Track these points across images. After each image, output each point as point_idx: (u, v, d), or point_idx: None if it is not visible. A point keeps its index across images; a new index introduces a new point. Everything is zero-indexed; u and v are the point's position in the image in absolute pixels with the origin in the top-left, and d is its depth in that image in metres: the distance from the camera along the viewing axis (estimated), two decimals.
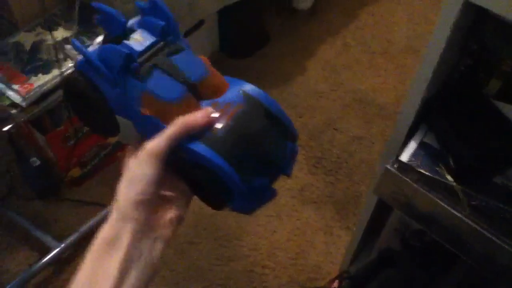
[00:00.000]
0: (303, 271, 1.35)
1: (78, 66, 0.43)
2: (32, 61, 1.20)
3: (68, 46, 1.17)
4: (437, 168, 0.74)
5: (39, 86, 1.14)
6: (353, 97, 1.73)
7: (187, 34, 1.64)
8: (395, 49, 1.89)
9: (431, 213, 0.76)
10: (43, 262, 1.25)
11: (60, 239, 1.30)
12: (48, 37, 1.23)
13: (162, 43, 0.44)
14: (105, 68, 0.41)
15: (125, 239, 0.39)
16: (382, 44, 1.90)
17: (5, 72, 1.17)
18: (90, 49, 0.43)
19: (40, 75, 1.16)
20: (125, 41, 0.43)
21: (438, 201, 0.73)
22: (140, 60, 0.42)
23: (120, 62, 0.41)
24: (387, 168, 0.77)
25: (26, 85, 1.14)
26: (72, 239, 1.30)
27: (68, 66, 1.17)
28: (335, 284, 1.28)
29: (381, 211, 1.01)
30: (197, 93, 0.43)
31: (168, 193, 0.44)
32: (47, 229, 1.34)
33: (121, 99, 0.42)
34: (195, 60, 0.45)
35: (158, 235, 0.41)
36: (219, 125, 0.41)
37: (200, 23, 1.67)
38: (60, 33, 1.25)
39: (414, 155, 0.76)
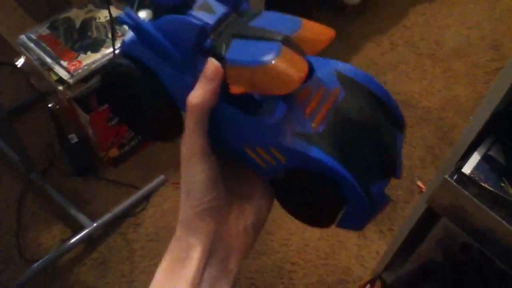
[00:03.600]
0: (333, 272, 1.32)
1: (125, 47, 0.34)
2: (82, 39, 1.19)
3: (119, 27, 1.16)
4: (502, 184, 0.70)
5: (87, 64, 1.13)
6: (396, 99, 1.66)
7: None
8: (443, 52, 1.83)
9: (489, 230, 0.72)
10: (76, 240, 1.26)
11: (93, 217, 1.30)
12: (99, 14, 1.22)
13: (235, 14, 0.34)
14: (171, 46, 0.32)
15: (195, 256, 0.33)
16: (430, 46, 1.84)
17: (55, 48, 1.17)
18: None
19: (89, 53, 1.15)
20: (192, 12, 0.32)
21: (499, 219, 0.70)
22: (213, 36, 0.32)
23: (193, 39, 0.31)
24: (445, 179, 0.74)
25: (74, 62, 1.14)
26: (105, 219, 1.30)
27: (118, 46, 1.16)
28: None
29: (426, 220, 0.97)
30: (297, 47, 0.32)
31: (242, 192, 0.37)
32: (82, 206, 1.35)
33: (190, 87, 0.32)
34: (281, 16, 0.34)
35: (231, 247, 0.35)
36: (318, 118, 0.32)
37: None
38: (112, 11, 1.24)
39: (477, 168, 0.72)
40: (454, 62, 1.80)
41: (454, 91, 1.71)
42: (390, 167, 0.34)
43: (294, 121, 0.32)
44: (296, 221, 0.34)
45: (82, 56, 1.15)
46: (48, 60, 1.15)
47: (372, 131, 0.33)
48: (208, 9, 0.33)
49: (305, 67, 0.30)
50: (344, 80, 0.34)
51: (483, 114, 0.71)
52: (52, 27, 1.22)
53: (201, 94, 0.31)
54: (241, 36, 0.32)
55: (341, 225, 0.34)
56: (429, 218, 0.95)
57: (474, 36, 1.88)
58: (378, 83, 0.34)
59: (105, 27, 1.19)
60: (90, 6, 1.26)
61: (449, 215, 0.78)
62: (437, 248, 1.03)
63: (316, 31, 0.34)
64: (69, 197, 1.36)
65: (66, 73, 1.12)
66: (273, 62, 0.29)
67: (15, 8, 1.27)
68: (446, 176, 0.74)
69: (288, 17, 0.34)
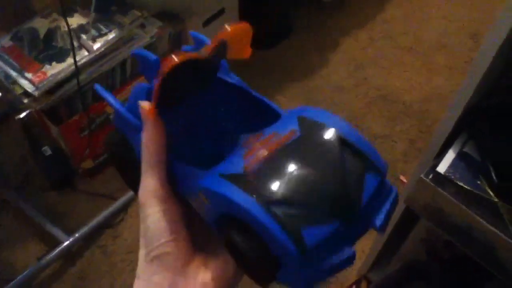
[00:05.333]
0: None
1: (113, 120, 0.36)
2: (47, 49, 1.15)
3: (84, 36, 1.12)
4: (478, 182, 0.68)
5: (52, 75, 1.09)
6: (377, 94, 1.66)
7: (206, 23, 1.58)
8: (423, 45, 1.81)
9: (467, 228, 0.70)
10: (53, 256, 1.23)
11: (71, 231, 1.27)
12: (63, 23, 1.18)
13: None
14: (132, 116, 0.33)
15: None
16: (410, 40, 1.82)
17: (19, 60, 1.13)
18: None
19: (54, 63, 1.12)
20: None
21: (477, 217, 0.67)
22: None
23: (144, 99, 0.32)
24: (421, 178, 0.71)
25: (39, 74, 1.10)
26: (82, 233, 1.27)
27: (83, 55, 1.12)
28: None
29: (407, 219, 0.95)
30: None
31: (209, 246, 0.34)
32: (59, 221, 1.31)
33: None
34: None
35: None
36: (255, 159, 0.29)
37: (221, 11, 1.61)
38: (76, 20, 1.20)
39: (452, 166, 0.70)
40: (434, 55, 1.78)
41: (435, 83, 1.69)
42: (346, 210, 0.28)
43: (228, 164, 0.30)
44: None
45: (47, 67, 1.11)
46: (12, 73, 1.11)
47: (319, 170, 0.28)
48: None
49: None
50: (305, 123, 0.30)
51: (456, 110, 0.68)
52: (15, 37, 1.18)
53: (147, 135, 0.32)
54: None
55: (281, 281, 0.28)
56: (410, 216, 0.92)
57: (453, 27, 1.86)
58: (349, 126, 0.30)
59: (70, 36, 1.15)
60: (55, 15, 1.22)
61: (427, 214, 0.75)
62: (421, 246, 1.01)
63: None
64: (46, 212, 1.32)
65: (31, 86, 1.08)
66: None
67: None
68: (422, 176, 0.71)
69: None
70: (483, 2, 1.93)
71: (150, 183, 0.32)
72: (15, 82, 1.10)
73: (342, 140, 0.29)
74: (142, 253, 0.32)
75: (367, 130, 1.56)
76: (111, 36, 1.16)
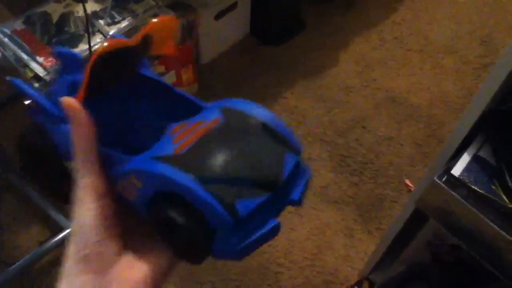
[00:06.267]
0: (319, 273, 1.30)
1: (29, 113, 0.35)
2: (60, 34, 1.15)
3: (101, 21, 1.12)
4: (492, 186, 0.68)
5: None
6: (385, 95, 1.66)
7: (218, 16, 1.57)
8: (432, 48, 1.80)
9: (479, 232, 0.70)
10: (55, 241, 1.22)
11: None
12: (77, 8, 1.17)
13: None
14: (52, 105, 0.33)
15: None
16: (419, 42, 1.82)
17: (31, 43, 1.12)
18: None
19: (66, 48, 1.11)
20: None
21: (489, 221, 0.67)
22: None
23: (65, 92, 0.32)
24: (434, 181, 0.71)
25: (51, 58, 1.09)
26: None
27: (97, 41, 1.12)
28: None
29: (414, 221, 0.95)
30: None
31: (138, 247, 0.33)
32: (61, 207, 1.31)
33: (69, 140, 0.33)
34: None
35: None
36: (184, 144, 0.31)
37: (233, 5, 1.61)
38: (90, 6, 1.19)
39: (466, 169, 0.70)
40: (443, 58, 1.77)
41: (443, 87, 1.69)
42: (271, 184, 0.30)
43: (158, 148, 0.31)
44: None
45: None
46: (23, 56, 1.10)
47: (245, 149, 0.31)
48: None
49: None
50: (228, 111, 0.33)
51: (473, 113, 0.68)
52: (28, 21, 1.17)
53: (76, 129, 0.31)
54: None
55: (215, 254, 0.30)
56: (417, 219, 0.92)
57: (463, 31, 1.86)
58: (268, 112, 0.33)
59: (83, 21, 1.15)
60: (68, 0, 1.21)
61: (438, 217, 0.75)
62: (426, 249, 1.01)
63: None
64: (49, 197, 1.32)
65: (42, 70, 1.08)
66: None
67: None
68: (435, 178, 0.71)
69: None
70: (495, 7, 1.93)
71: (86, 179, 0.31)
72: (26, 66, 1.09)
73: (264, 126, 0.32)
74: (71, 251, 0.31)
75: (373, 131, 1.56)
76: (124, 24, 1.16)
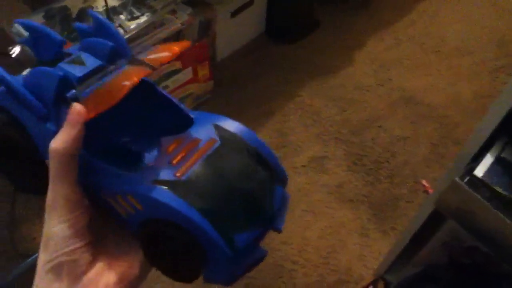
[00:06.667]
0: (334, 271, 1.30)
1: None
2: None
3: (122, 16, 1.12)
4: None
5: None
6: (400, 95, 1.65)
7: (234, 13, 1.58)
8: (448, 49, 1.79)
9: (500, 234, 0.69)
10: None
11: None
12: (96, 3, 1.18)
13: (111, 67, 0.33)
14: (33, 98, 0.32)
15: None
16: (435, 42, 1.81)
17: None
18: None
19: None
20: (62, 64, 0.33)
21: (510, 223, 0.67)
22: (81, 87, 0.32)
23: (54, 89, 0.31)
24: (455, 181, 0.71)
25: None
26: None
27: None
28: None
29: (432, 222, 0.94)
30: (142, 63, 0.34)
31: (112, 249, 0.33)
32: None
33: (52, 137, 0.32)
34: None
35: None
36: (184, 167, 0.31)
37: (249, 2, 1.61)
38: (109, 1, 1.20)
39: (489, 170, 0.69)
40: (458, 59, 1.76)
41: (459, 88, 1.68)
42: (266, 219, 0.33)
43: (158, 169, 0.31)
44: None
45: None
46: None
47: (244, 182, 0.32)
48: (79, 62, 0.33)
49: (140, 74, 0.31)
50: (222, 133, 0.33)
51: (497, 113, 0.67)
52: (48, 16, 1.18)
53: (63, 140, 0.30)
54: None
55: (207, 278, 0.32)
56: (435, 220, 0.92)
57: (479, 33, 1.84)
58: (259, 139, 0.34)
59: (103, 16, 1.16)
60: None
61: (457, 218, 0.75)
62: (442, 250, 1.00)
63: (161, 51, 0.35)
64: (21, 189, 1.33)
65: None
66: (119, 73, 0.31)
67: None
68: (456, 179, 0.70)
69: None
70: (510, 9, 1.91)
71: (60, 188, 0.30)
72: None
73: (254, 152, 0.33)
74: (41, 259, 0.31)
75: (388, 131, 1.56)
76: (143, 19, 1.16)
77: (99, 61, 0.33)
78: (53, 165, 0.30)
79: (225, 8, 1.53)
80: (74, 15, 1.19)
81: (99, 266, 0.32)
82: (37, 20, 1.18)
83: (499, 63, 1.74)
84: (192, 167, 0.31)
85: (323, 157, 1.46)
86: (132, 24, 1.14)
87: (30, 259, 1.19)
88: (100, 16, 0.35)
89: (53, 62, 0.33)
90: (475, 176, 0.68)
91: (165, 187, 0.30)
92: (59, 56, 0.35)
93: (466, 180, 0.70)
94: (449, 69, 1.74)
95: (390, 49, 1.79)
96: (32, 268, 1.13)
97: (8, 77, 0.33)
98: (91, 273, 0.31)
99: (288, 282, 1.27)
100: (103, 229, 0.34)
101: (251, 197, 0.31)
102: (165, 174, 0.30)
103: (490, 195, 0.69)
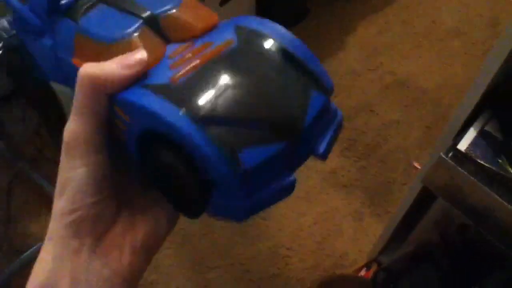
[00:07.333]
0: (329, 256, 1.30)
1: (14, 26, 0.32)
2: None
3: None
4: (499, 160, 0.67)
5: None
6: (392, 79, 1.65)
7: (223, 2, 1.57)
8: (440, 31, 1.78)
9: (486, 208, 0.69)
10: None
11: None
12: None
13: None
14: (27, 10, 0.29)
15: (63, 284, 0.26)
16: (426, 25, 1.80)
17: None
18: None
19: None
20: None
21: (497, 197, 0.67)
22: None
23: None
24: (441, 157, 0.71)
25: None
26: None
27: None
28: (362, 272, 1.23)
29: (422, 201, 0.95)
30: (161, 30, 0.27)
31: (136, 202, 0.29)
32: None
33: (51, 54, 0.29)
34: None
35: (113, 273, 0.26)
36: (184, 70, 0.24)
37: None
38: None
39: (473, 144, 0.69)
40: (451, 41, 1.75)
41: (452, 70, 1.67)
42: (290, 130, 0.24)
43: (151, 74, 0.25)
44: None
45: None
46: None
47: (260, 84, 0.24)
48: None
49: (159, 52, 0.26)
50: (245, 33, 0.27)
51: (479, 88, 0.67)
52: None
53: (103, 67, 0.25)
54: (108, 3, 0.28)
55: (215, 211, 0.25)
56: (425, 198, 0.92)
57: (472, 14, 1.83)
58: (296, 39, 0.27)
59: None
60: None
61: (445, 194, 0.75)
62: (434, 230, 1.00)
63: (194, 15, 0.28)
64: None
65: None
66: (120, 43, 0.26)
67: None
68: (441, 154, 0.70)
69: None
70: None
71: (83, 127, 0.25)
72: None
73: (285, 53, 0.26)
74: (58, 209, 0.27)
75: (381, 116, 1.55)
76: None
77: None
78: (78, 94, 0.25)
79: None
80: None
81: (123, 222, 0.28)
82: None
83: (492, 43, 1.73)
84: (194, 71, 0.24)
85: None
86: None
87: (25, 254, 1.19)
88: None
89: None
90: (458, 150, 0.68)
91: (149, 90, 0.24)
92: None
93: (450, 155, 0.70)
94: (442, 51, 1.73)
95: (381, 33, 1.78)
96: (28, 264, 1.13)
97: None
98: (116, 230, 0.27)
99: (284, 269, 1.27)
100: (124, 181, 0.29)
101: (269, 99, 0.24)
102: (158, 78, 0.24)
103: (475, 169, 0.69)
